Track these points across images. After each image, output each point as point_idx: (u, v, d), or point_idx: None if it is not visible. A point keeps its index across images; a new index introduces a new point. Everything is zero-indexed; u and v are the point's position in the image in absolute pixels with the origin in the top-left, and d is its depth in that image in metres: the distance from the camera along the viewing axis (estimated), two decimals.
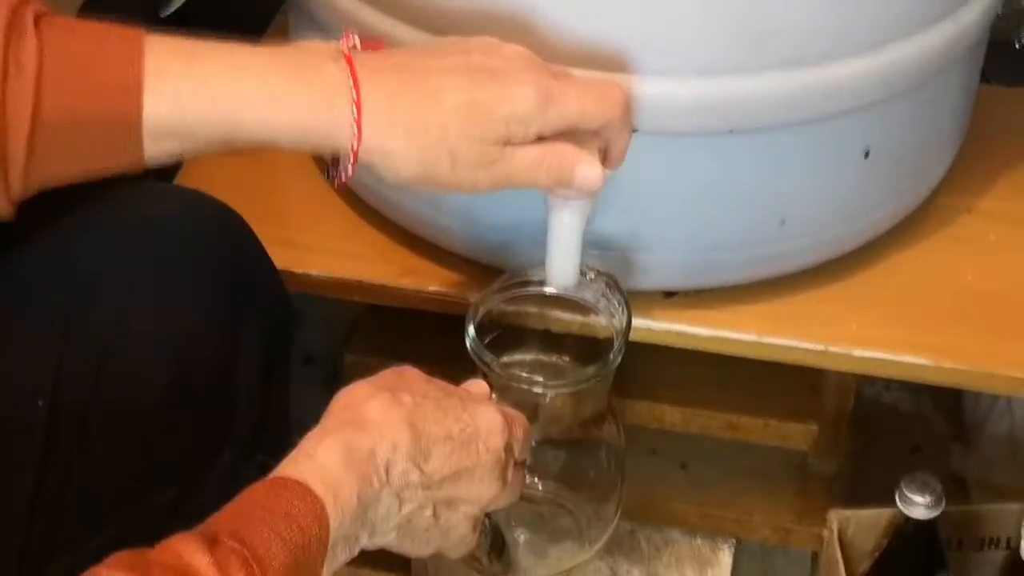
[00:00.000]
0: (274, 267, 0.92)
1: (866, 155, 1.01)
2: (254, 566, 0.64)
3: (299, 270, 1.06)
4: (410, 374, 0.81)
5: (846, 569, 1.08)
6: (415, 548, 0.79)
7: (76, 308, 0.84)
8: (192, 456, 0.89)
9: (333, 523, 0.70)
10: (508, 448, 0.80)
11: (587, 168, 0.83)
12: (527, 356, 0.97)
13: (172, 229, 0.88)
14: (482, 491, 0.79)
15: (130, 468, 0.87)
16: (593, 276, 0.93)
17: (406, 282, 1.06)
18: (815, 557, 1.25)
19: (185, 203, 0.90)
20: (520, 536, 0.95)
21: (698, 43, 0.92)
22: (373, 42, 0.82)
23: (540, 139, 0.82)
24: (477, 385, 0.85)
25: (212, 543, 0.64)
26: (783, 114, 0.96)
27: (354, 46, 0.80)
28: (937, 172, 1.12)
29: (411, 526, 0.77)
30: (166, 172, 1.15)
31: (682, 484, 1.21)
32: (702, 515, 1.20)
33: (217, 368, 0.87)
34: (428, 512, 0.77)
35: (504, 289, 0.94)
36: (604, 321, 0.93)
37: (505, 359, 0.91)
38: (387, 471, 0.74)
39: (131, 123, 0.74)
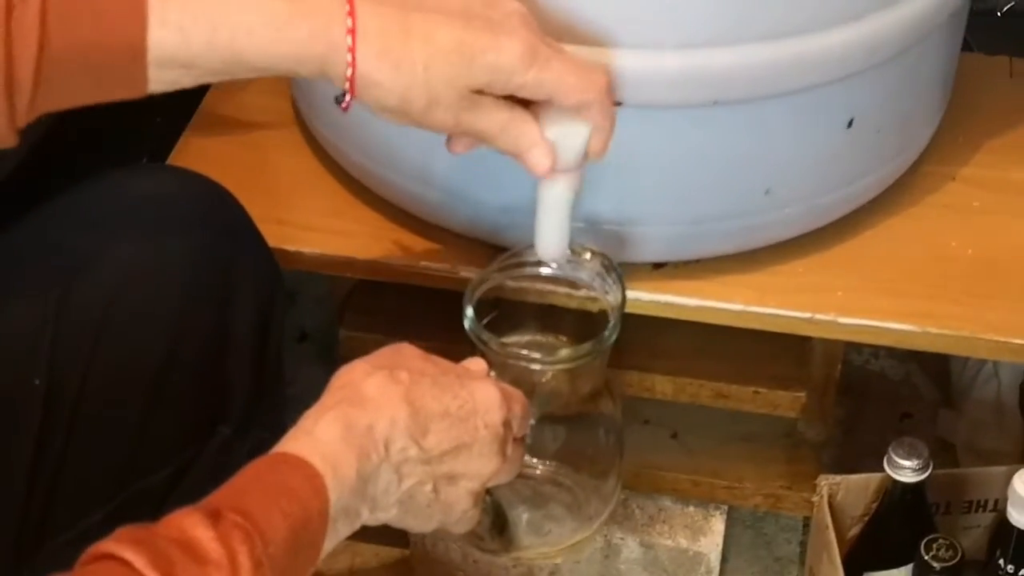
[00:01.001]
0: (265, 243, 0.93)
1: (849, 124, 1.02)
2: (256, 539, 0.65)
3: (291, 248, 1.07)
4: (407, 351, 0.81)
5: (836, 534, 1.09)
6: (418, 523, 0.80)
7: (70, 286, 0.85)
8: (187, 434, 0.90)
9: (333, 497, 0.71)
10: (507, 424, 0.81)
11: (539, 153, 0.83)
12: (524, 336, 0.98)
13: (163, 207, 0.88)
14: (482, 466, 0.80)
15: (126, 446, 0.88)
16: (589, 256, 0.94)
17: (397, 258, 1.07)
18: (806, 522, 1.27)
19: (176, 181, 0.91)
20: (521, 514, 0.95)
21: (682, 16, 0.93)
22: None
23: (515, 100, 0.82)
24: (476, 363, 0.86)
25: (215, 517, 0.65)
26: (767, 85, 0.96)
27: None
28: (920, 140, 1.13)
29: (412, 501, 0.77)
30: (158, 152, 1.16)
31: (674, 453, 1.22)
32: (694, 483, 1.21)
33: (210, 344, 0.88)
34: (428, 487, 0.78)
35: (500, 270, 0.95)
36: (599, 298, 0.94)
37: (502, 339, 0.91)
38: (386, 447, 0.74)
39: (136, 51, 0.74)
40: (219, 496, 0.68)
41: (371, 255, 1.07)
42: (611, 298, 0.93)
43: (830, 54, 0.97)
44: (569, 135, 0.85)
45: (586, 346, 0.90)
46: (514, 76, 0.80)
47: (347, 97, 0.79)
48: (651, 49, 0.93)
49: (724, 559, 1.24)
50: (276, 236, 0.99)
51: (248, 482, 0.70)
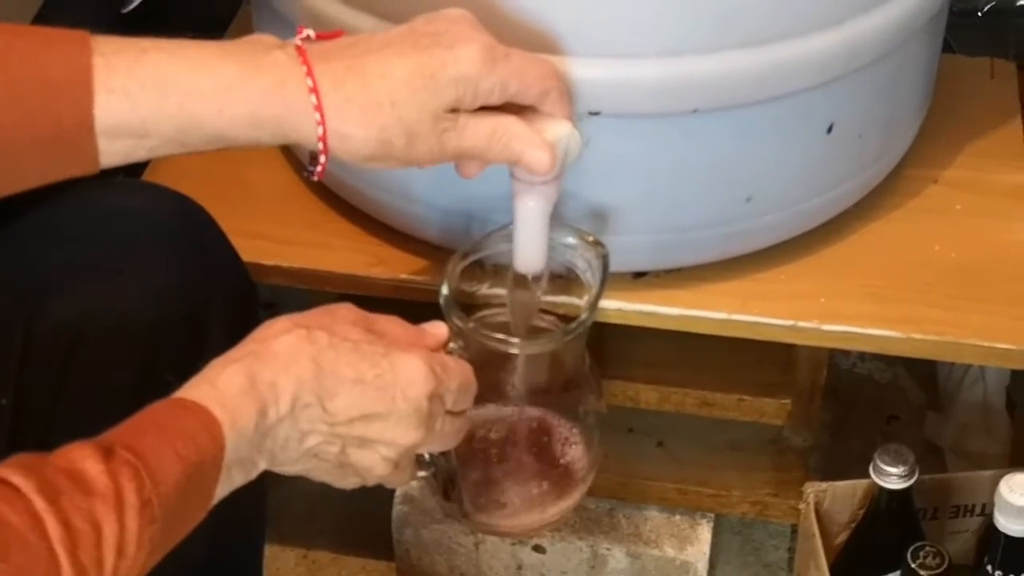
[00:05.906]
0: (238, 256, 0.92)
1: (830, 130, 1.01)
2: (145, 478, 0.66)
3: (269, 262, 1.06)
4: (342, 313, 0.81)
5: (823, 541, 1.08)
6: (331, 480, 0.81)
7: (41, 306, 0.84)
8: None
9: (229, 445, 0.71)
10: (434, 398, 0.80)
11: (538, 152, 0.83)
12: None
13: (135, 224, 0.88)
14: (398, 436, 0.79)
15: None
16: (591, 240, 0.94)
17: (377, 271, 1.06)
18: (795, 528, 1.27)
19: (145, 196, 0.90)
20: (494, 489, 0.95)
21: (660, 24, 0.92)
22: (329, 33, 0.82)
23: (488, 110, 0.81)
24: (436, 327, 0.85)
25: (107, 453, 0.66)
26: (747, 92, 0.96)
27: (307, 37, 0.80)
28: (902, 144, 1.12)
29: (318, 459, 0.78)
30: (134, 166, 1.15)
31: (659, 461, 1.22)
32: (680, 492, 1.20)
33: (183, 364, 0.87)
34: (335, 448, 0.78)
35: (479, 250, 0.94)
36: (579, 293, 0.94)
37: (485, 312, 0.91)
38: (287, 403, 0.75)
39: (84, 120, 0.73)
40: (114, 433, 0.68)
41: (350, 269, 1.07)
42: (592, 288, 0.93)
43: (810, 60, 0.96)
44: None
45: (557, 332, 0.92)
46: (480, 81, 0.80)
47: (321, 159, 0.79)
48: (630, 58, 0.93)
49: (712, 567, 1.24)
50: (254, 250, 0.98)
51: (145, 423, 0.70)
